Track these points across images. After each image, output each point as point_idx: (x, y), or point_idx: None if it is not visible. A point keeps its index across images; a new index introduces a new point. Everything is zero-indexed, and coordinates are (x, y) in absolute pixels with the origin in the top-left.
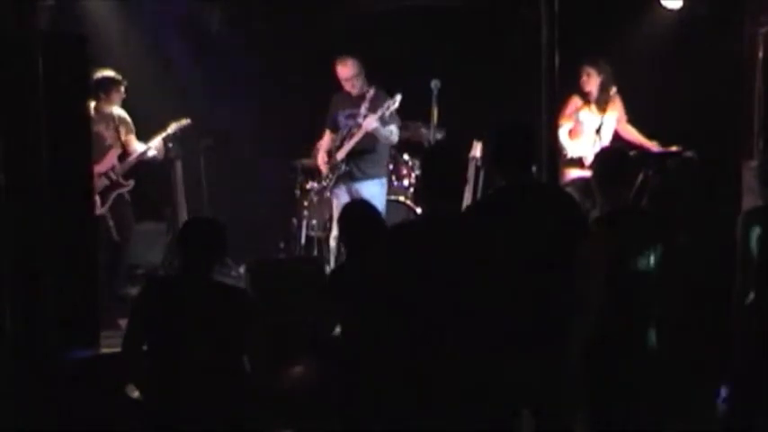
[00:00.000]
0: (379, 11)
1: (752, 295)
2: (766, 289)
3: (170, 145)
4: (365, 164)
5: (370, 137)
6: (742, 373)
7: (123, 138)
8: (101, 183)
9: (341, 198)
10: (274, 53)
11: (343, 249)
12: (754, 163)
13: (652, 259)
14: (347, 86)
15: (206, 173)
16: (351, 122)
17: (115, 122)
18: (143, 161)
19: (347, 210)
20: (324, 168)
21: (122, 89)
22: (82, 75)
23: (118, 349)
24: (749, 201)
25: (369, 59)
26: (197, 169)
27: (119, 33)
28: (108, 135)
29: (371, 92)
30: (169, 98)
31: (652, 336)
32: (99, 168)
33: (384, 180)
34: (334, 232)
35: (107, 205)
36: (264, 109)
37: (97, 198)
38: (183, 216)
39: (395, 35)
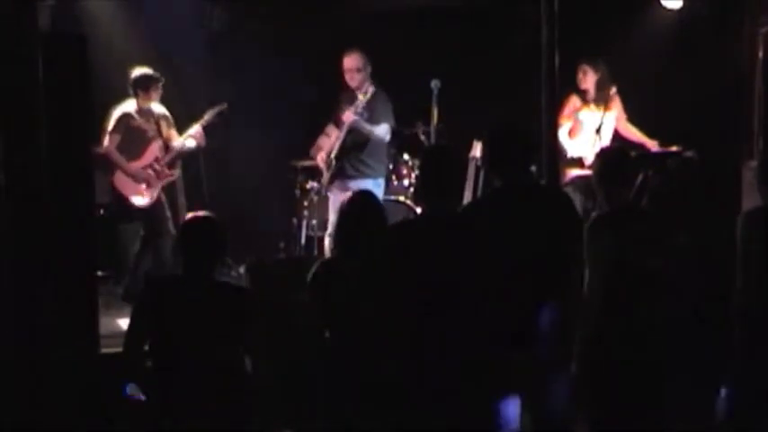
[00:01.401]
0: (379, 11)
1: (752, 295)
2: (766, 289)
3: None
4: (358, 162)
5: (360, 133)
6: (742, 373)
7: (165, 133)
8: (147, 174)
9: (336, 196)
10: (274, 53)
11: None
12: (754, 163)
13: (652, 259)
14: (347, 77)
15: (206, 173)
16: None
17: (155, 117)
18: (185, 152)
19: (349, 203)
20: (322, 166)
21: (160, 86)
22: (82, 75)
23: (118, 349)
24: (749, 201)
25: (369, 59)
26: (197, 169)
27: (119, 33)
28: (149, 128)
29: (371, 90)
30: (169, 98)
31: (652, 336)
32: (143, 161)
33: (380, 181)
34: (329, 230)
35: (154, 195)
36: (265, 109)
37: (144, 188)
38: (184, 216)
39: (395, 35)
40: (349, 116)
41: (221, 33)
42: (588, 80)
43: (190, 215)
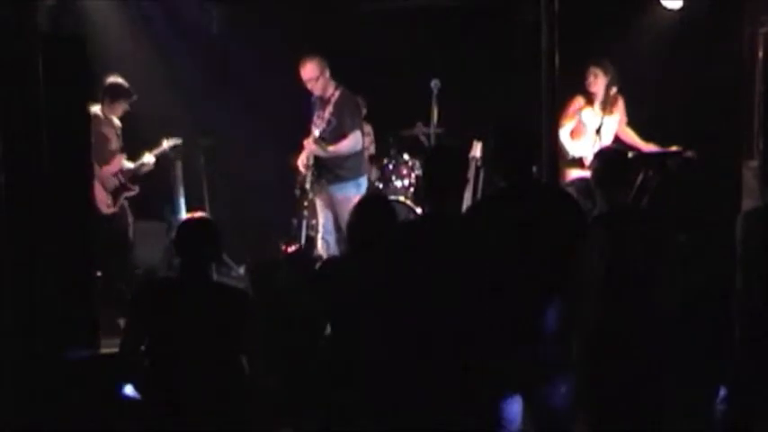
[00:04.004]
0: (379, 11)
1: (752, 295)
2: (766, 289)
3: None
4: (337, 168)
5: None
6: (742, 373)
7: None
8: (113, 183)
9: (321, 200)
10: (274, 53)
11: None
12: (754, 163)
13: (651, 259)
14: (308, 87)
15: (206, 173)
16: (317, 124)
17: (116, 130)
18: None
19: (360, 205)
20: (303, 171)
21: (127, 103)
22: (82, 75)
23: (118, 349)
24: (749, 201)
25: (369, 59)
26: (197, 169)
27: (119, 33)
28: (112, 139)
29: (336, 95)
30: (169, 98)
31: (651, 336)
32: (110, 169)
33: (360, 180)
34: (321, 232)
35: (118, 205)
36: (264, 109)
37: (110, 197)
38: (183, 216)
39: (395, 35)
40: (309, 145)
41: (221, 33)
42: (599, 83)
43: (186, 216)
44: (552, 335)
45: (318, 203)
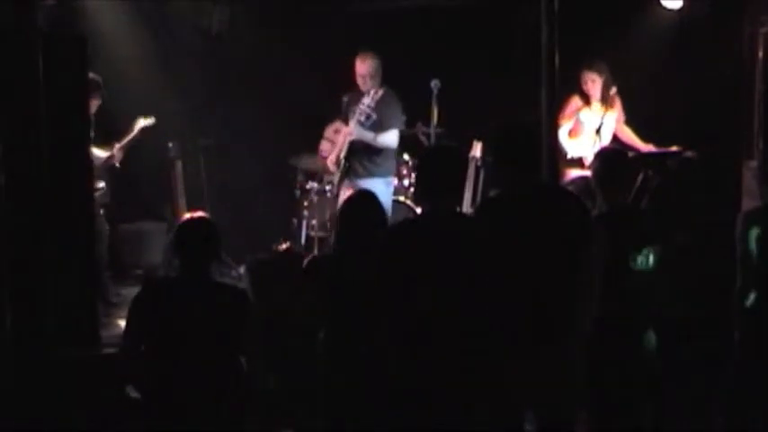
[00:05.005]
0: (378, 11)
1: (752, 295)
2: (766, 289)
3: (170, 145)
4: (368, 162)
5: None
6: (742, 373)
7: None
8: None
9: (345, 194)
10: (274, 53)
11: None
12: (754, 163)
13: (651, 259)
14: (358, 80)
15: (206, 173)
16: (353, 116)
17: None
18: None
19: (349, 201)
20: (333, 168)
21: (99, 95)
22: (82, 75)
23: (118, 349)
24: (749, 201)
25: (380, 63)
26: (197, 169)
27: (119, 33)
28: None
29: (380, 92)
30: (169, 98)
31: (651, 336)
32: None
33: (390, 179)
34: None
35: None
36: (264, 109)
37: None
38: (183, 216)
39: (395, 35)
40: (350, 130)
41: (221, 33)
42: (596, 87)
43: (185, 216)
44: (554, 335)
45: (342, 196)
